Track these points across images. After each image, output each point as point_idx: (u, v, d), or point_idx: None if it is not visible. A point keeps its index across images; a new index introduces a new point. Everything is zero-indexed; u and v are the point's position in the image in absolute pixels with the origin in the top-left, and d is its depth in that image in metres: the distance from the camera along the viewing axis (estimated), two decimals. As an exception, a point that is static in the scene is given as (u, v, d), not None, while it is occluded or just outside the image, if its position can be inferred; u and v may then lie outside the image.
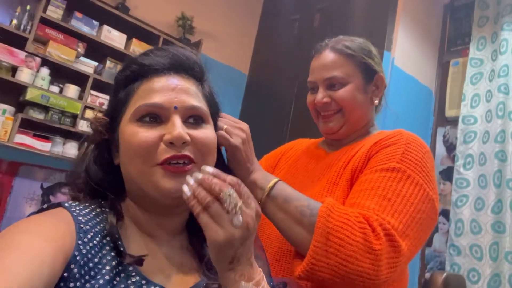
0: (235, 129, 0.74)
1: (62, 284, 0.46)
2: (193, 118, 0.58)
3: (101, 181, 0.59)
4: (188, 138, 0.55)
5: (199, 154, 0.56)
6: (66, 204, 0.54)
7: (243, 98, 3.16)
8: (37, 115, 2.17)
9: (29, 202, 2.28)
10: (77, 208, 0.54)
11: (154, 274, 0.55)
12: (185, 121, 0.57)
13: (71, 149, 2.27)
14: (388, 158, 0.81)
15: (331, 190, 0.86)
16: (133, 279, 0.52)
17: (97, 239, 0.52)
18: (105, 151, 0.60)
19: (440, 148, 2.49)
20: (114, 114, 0.59)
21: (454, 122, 2.44)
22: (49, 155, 2.19)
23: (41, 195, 2.33)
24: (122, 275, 0.52)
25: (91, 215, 0.54)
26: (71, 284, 0.46)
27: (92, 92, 2.33)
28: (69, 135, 2.28)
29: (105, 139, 0.59)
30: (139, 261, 0.53)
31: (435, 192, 0.80)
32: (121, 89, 0.60)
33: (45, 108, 2.20)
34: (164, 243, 0.60)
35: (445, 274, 1.63)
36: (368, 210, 0.72)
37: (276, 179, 0.77)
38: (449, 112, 2.49)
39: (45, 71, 2.22)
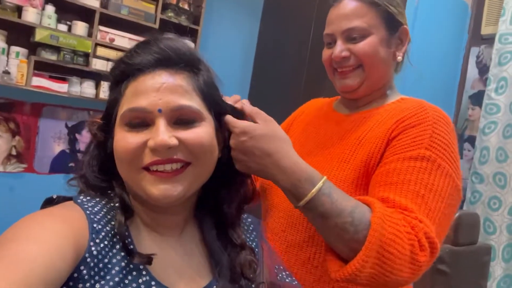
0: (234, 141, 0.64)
1: (71, 283, 0.47)
2: (182, 119, 0.54)
3: (98, 182, 0.58)
4: (174, 142, 0.52)
5: (192, 155, 0.54)
6: (78, 200, 0.54)
7: (261, 19, 2.97)
8: (49, 56, 2.15)
9: (57, 141, 2.39)
10: (89, 204, 0.54)
11: (164, 274, 0.56)
12: (174, 122, 0.54)
13: (88, 89, 2.28)
14: (416, 142, 0.75)
15: (340, 167, 0.81)
16: (144, 278, 0.53)
17: (107, 238, 0.52)
18: (104, 152, 0.58)
19: (472, 70, 2.32)
20: (108, 116, 0.58)
21: (490, 40, 2.22)
22: (68, 96, 2.22)
23: (67, 133, 2.42)
24: (134, 273, 0.52)
25: (102, 212, 0.54)
26: (80, 285, 0.47)
27: (101, 28, 2.25)
28: (84, 74, 2.28)
29: (103, 141, 0.58)
30: (149, 260, 0.53)
31: (460, 178, 0.77)
32: (113, 90, 0.58)
33: (56, 49, 2.17)
34: (173, 240, 0.60)
35: (458, 213, 1.63)
36: (408, 211, 0.70)
37: (313, 191, 0.66)
38: (485, 30, 2.25)
39: (50, 9, 2.14)
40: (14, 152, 2.26)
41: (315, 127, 0.97)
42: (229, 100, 0.67)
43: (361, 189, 0.79)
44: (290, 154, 0.68)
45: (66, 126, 2.41)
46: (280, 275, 0.70)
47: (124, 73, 0.56)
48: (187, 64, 0.57)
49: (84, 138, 2.46)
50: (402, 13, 0.89)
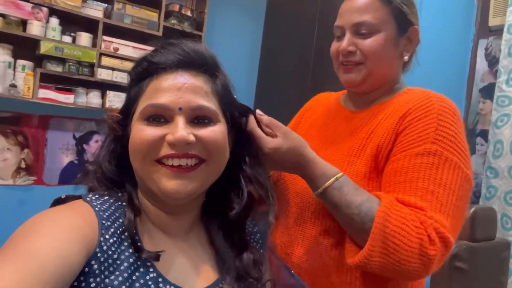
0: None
1: (82, 278, 0.48)
2: (200, 118, 0.57)
3: (114, 175, 0.60)
4: (192, 138, 0.55)
5: (207, 152, 0.57)
6: (87, 198, 0.55)
7: (264, 23, 2.97)
8: (55, 68, 2.17)
9: (65, 153, 2.40)
10: (98, 202, 0.55)
11: (170, 272, 0.57)
12: (191, 121, 0.57)
13: (94, 99, 2.29)
14: (421, 137, 0.76)
15: (351, 162, 0.82)
16: (151, 275, 0.54)
17: (116, 235, 0.54)
18: (120, 146, 0.61)
19: (481, 63, 2.27)
20: (126, 111, 0.60)
21: (498, 32, 2.17)
22: (74, 107, 2.23)
23: (75, 144, 2.43)
24: (142, 270, 0.54)
25: (111, 209, 0.56)
26: (91, 279, 0.49)
27: (105, 38, 2.27)
28: (90, 85, 2.29)
29: (120, 135, 0.60)
30: (156, 256, 0.54)
31: (469, 167, 0.77)
32: (133, 86, 0.60)
33: (62, 60, 2.19)
34: (180, 239, 0.61)
35: (473, 208, 1.58)
36: (418, 209, 0.71)
37: (324, 186, 0.75)
38: (493, 21, 2.20)
39: (54, 21, 2.17)
40: (23, 165, 2.28)
41: (324, 122, 0.97)
42: None
43: (374, 182, 0.80)
44: (310, 157, 0.76)
45: (74, 137, 2.43)
46: (290, 273, 0.72)
47: (146, 70, 0.58)
48: (208, 68, 0.60)
49: (92, 148, 2.47)
50: (415, 13, 0.89)
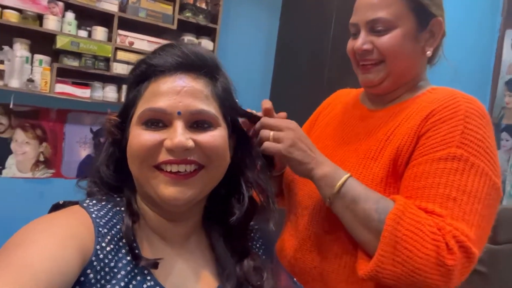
0: (280, 133, 0.72)
1: (77, 287, 0.47)
2: (199, 123, 0.56)
3: (112, 180, 0.59)
4: (190, 144, 0.53)
5: (207, 158, 0.55)
6: (84, 204, 0.54)
7: (280, 16, 2.91)
8: (71, 63, 2.19)
9: (82, 146, 2.43)
10: (95, 208, 0.54)
11: (168, 279, 0.56)
12: (190, 126, 0.55)
13: (110, 93, 2.30)
14: (446, 141, 0.71)
15: (367, 165, 0.78)
16: (149, 283, 0.53)
17: (113, 242, 0.52)
18: (119, 150, 0.60)
19: (508, 54, 2.16)
20: (125, 114, 0.59)
21: (526, 21, 2.06)
22: (91, 101, 2.25)
23: (92, 138, 2.46)
24: (139, 278, 0.53)
25: (108, 215, 0.55)
26: None
27: (120, 32, 2.27)
28: (106, 79, 2.30)
29: (118, 139, 0.59)
30: (154, 264, 0.53)
31: (498, 175, 0.72)
32: (132, 89, 0.59)
33: (78, 55, 2.20)
34: (179, 246, 0.60)
35: (496, 209, 1.51)
36: (436, 215, 0.67)
37: (346, 176, 0.72)
38: (521, 10, 2.09)
39: (70, 16, 2.18)
40: (42, 158, 2.32)
41: (341, 121, 0.93)
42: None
43: (391, 187, 0.76)
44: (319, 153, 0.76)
45: (91, 130, 2.45)
46: (292, 280, 0.70)
47: (145, 73, 0.57)
48: (208, 70, 0.58)
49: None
50: (438, 4, 0.83)
